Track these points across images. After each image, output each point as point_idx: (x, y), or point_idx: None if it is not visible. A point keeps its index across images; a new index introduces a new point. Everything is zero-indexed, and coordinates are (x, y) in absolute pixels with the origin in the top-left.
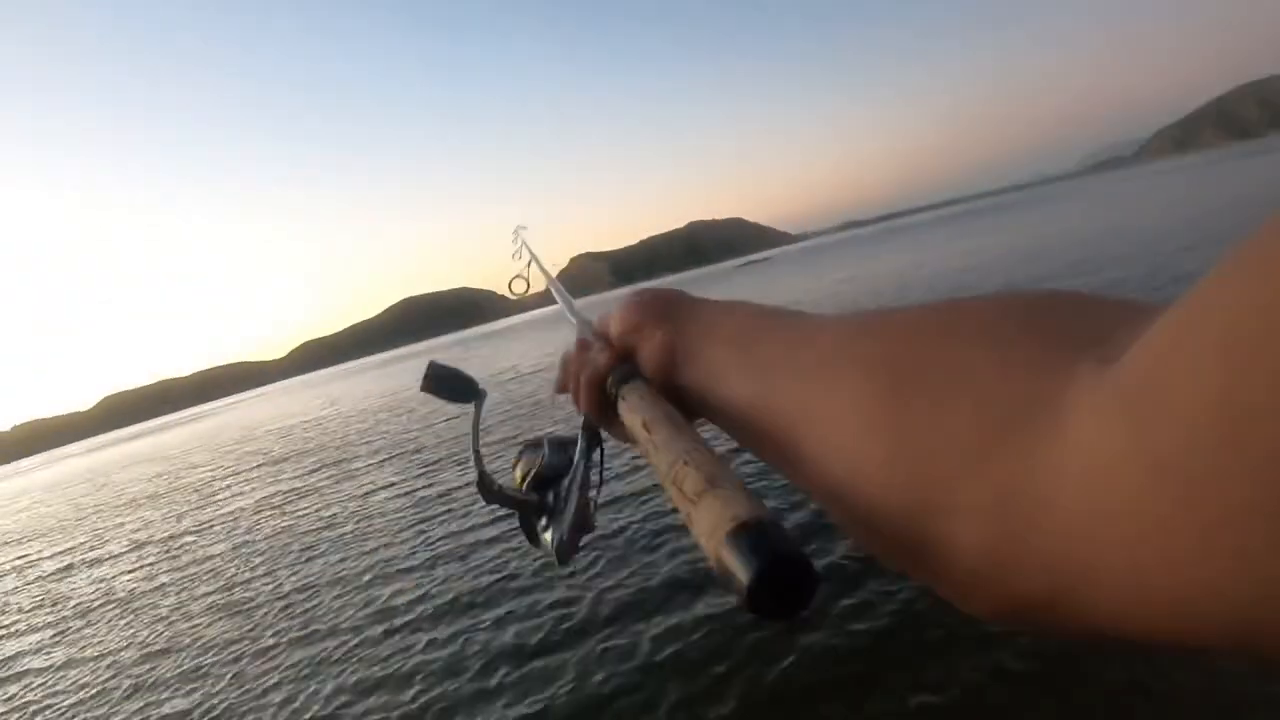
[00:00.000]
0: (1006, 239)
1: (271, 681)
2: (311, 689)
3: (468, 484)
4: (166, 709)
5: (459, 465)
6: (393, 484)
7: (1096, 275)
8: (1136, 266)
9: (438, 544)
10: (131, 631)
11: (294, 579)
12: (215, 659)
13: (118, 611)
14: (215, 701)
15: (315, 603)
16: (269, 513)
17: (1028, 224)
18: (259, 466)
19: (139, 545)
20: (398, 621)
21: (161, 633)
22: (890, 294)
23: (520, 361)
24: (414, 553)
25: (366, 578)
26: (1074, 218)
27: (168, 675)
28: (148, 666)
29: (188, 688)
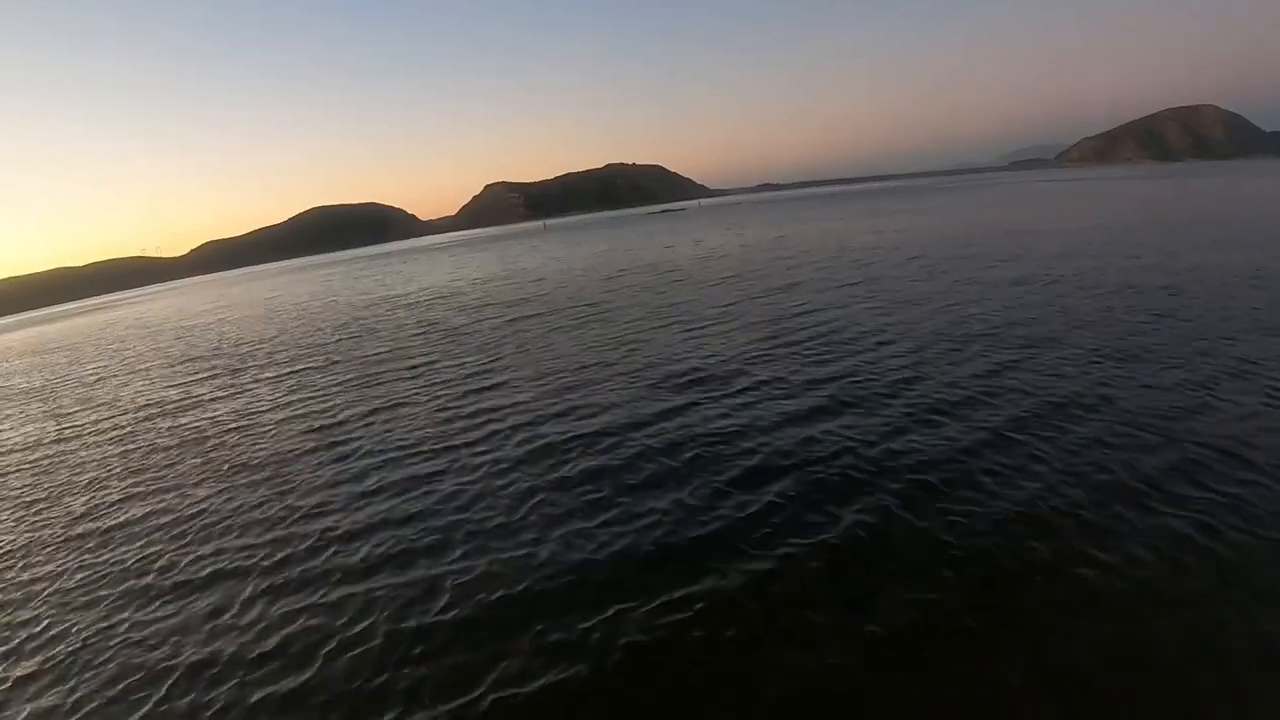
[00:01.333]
0: (918, 218)
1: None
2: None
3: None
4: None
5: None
6: (282, 389)
7: (988, 264)
8: (1024, 264)
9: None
10: None
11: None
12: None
13: None
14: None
15: (196, 510)
16: (155, 417)
17: (938, 207)
18: (150, 366)
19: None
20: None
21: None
22: (789, 253)
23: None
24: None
25: (249, 478)
26: (982, 207)
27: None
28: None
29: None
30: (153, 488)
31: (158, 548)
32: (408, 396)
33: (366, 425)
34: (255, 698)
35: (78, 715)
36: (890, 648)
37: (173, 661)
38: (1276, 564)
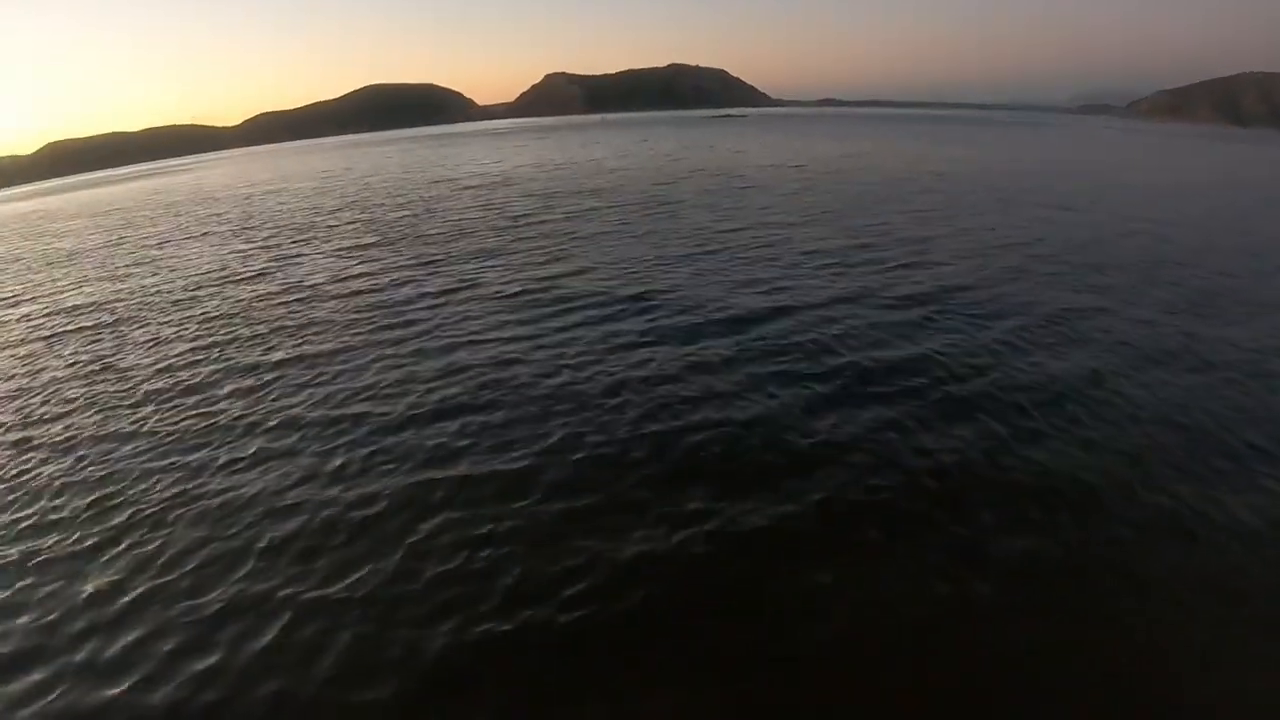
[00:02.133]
0: (975, 150)
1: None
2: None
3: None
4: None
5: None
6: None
7: (1039, 205)
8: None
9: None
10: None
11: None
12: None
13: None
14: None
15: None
16: (216, 284)
17: (998, 142)
18: (210, 233)
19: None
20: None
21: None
22: (859, 170)
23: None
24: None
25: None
26: (1045, 148)
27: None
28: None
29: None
30: (221, 357)
31: (226, 412)
32: (478, 278)
33: (438, 305)
34: (317, 570)
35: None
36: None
37: (236, 532)
38: None
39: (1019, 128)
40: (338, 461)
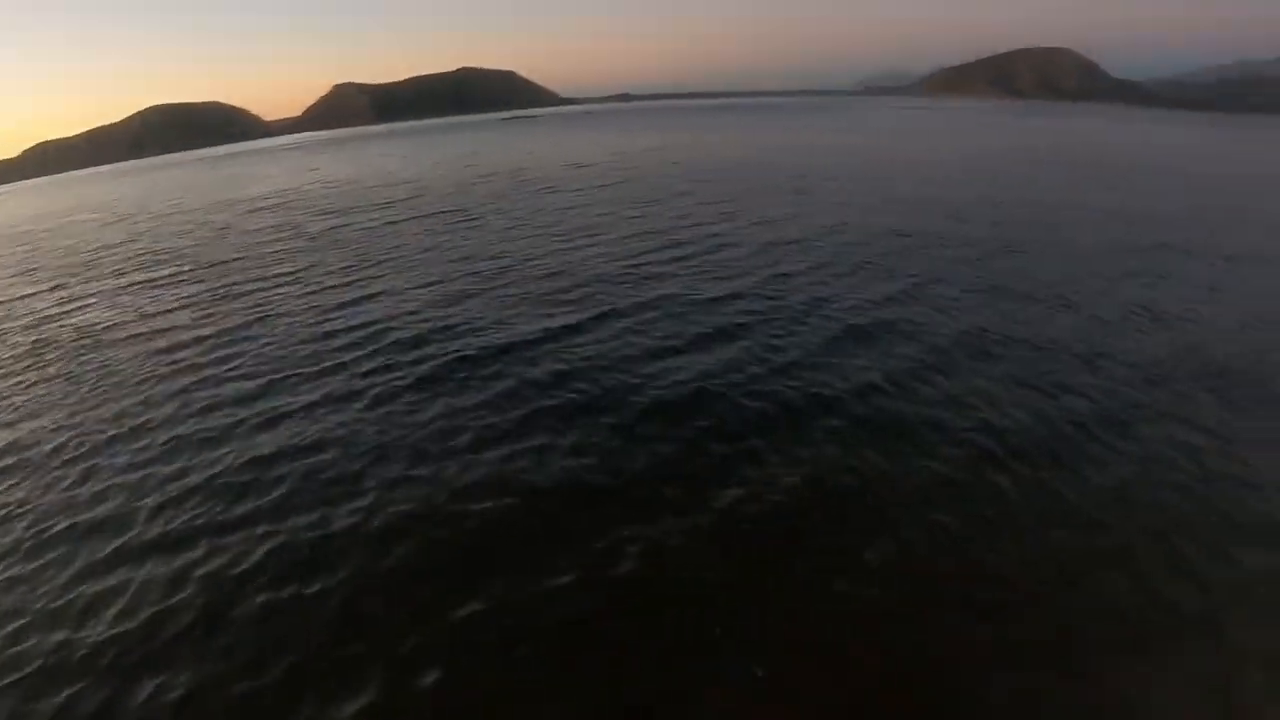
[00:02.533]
0: (764, 136)
1: None
2: None
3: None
4: None
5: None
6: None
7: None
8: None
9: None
10: None
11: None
12: None
13: None
14: None
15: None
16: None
17: (784, 126)
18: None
19: None
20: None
21: None
22: (659, 163)
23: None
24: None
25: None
26: (832, 130)
27: None
28: None
29: None
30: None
31: None
32: (277, 308)
33: (236, 342)
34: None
35: None
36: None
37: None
38: None
39: (809, 112)
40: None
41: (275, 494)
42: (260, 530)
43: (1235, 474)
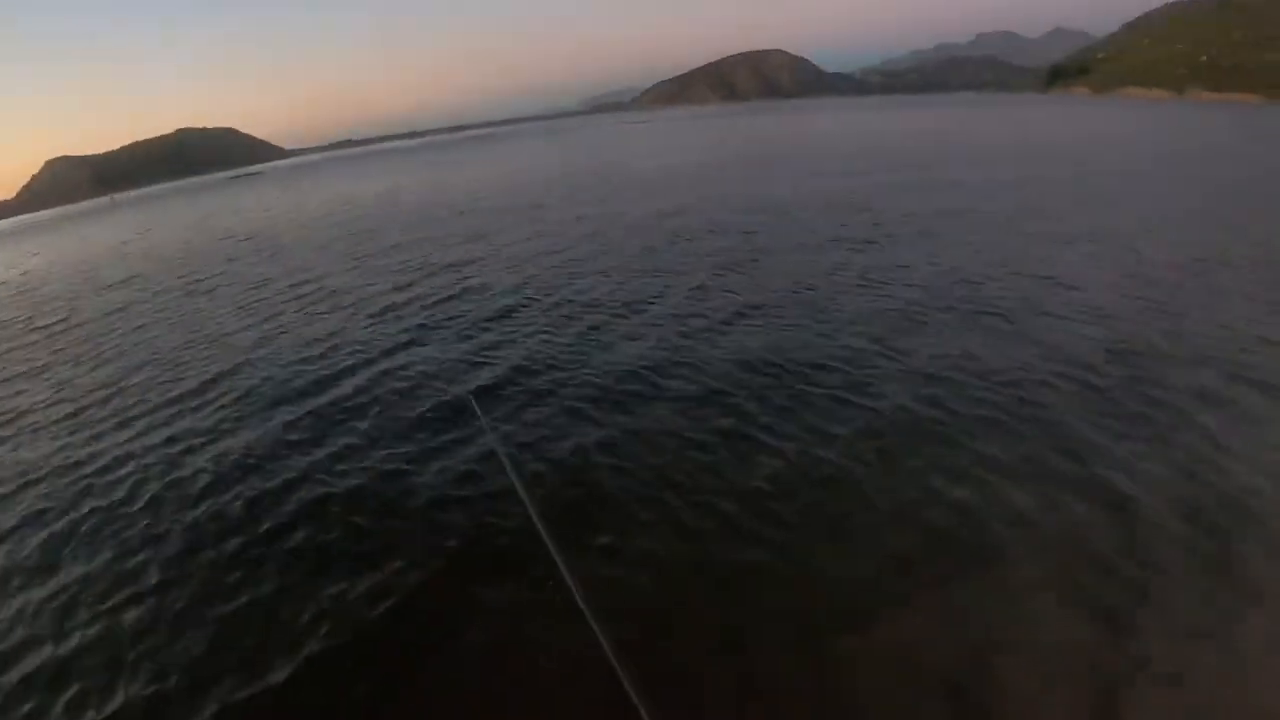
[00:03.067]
0: (493, 167)
1: None
2: None
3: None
4: None
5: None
6: None
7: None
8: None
9: None
10: None
11: None
12: None
13: None
14: None
15: None
16: None
17: (510, 153)
18: None
19: None
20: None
21: None
22: (363, 213)
23: None
24: None
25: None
26: (546, 151)
27: None
28: None
29: None
30: None
31: None
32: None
33: None
34: None
35: None
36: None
37: None
38: None
39: (530, 137)
40: None
41: None
42: None
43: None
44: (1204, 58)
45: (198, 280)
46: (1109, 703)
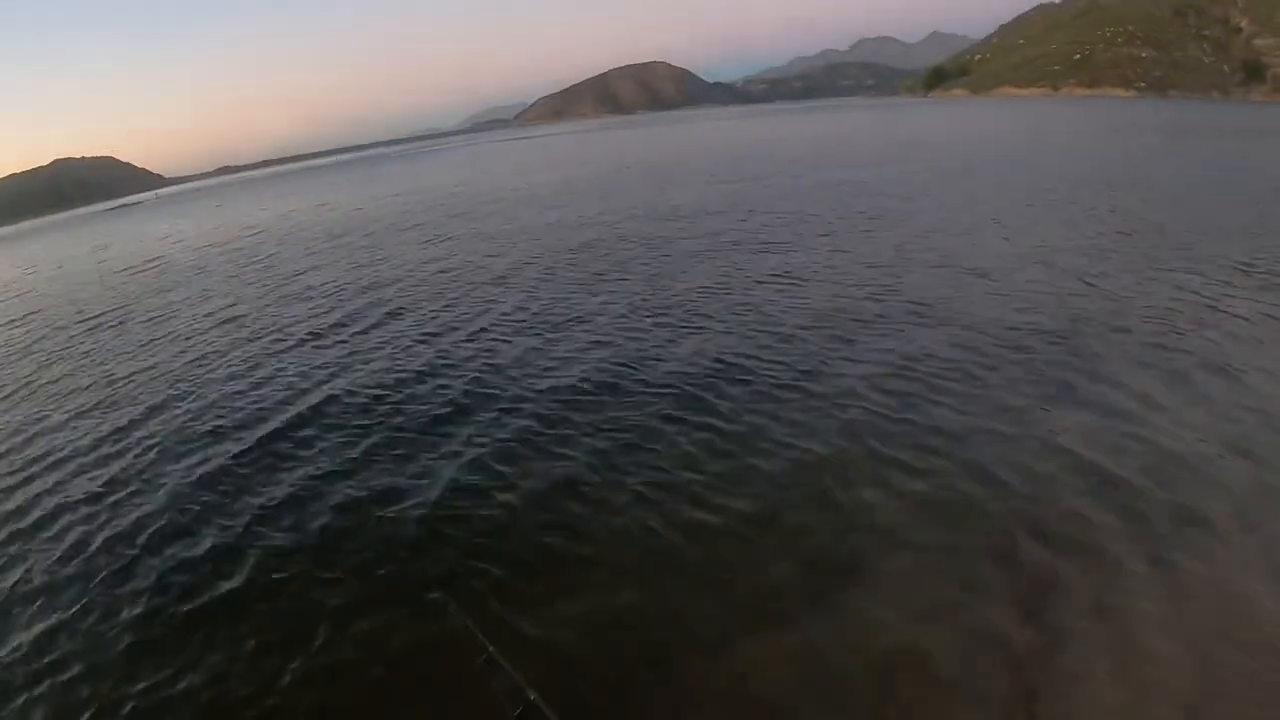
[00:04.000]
0: (369, 187)
1: None
2: None
3: None
4: None
5: None
6: None
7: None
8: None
9: None
10: None
11: None
12: None
13: None
14: None
15: None
16: None
17: (390, 173)
18: None
19: None
20: None
21: None
22: (235, 242)
23: None
24: None
25: None
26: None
27: None
28: None
29: None
30: None
31: None
32: None
33: None
34: None
35: None
36: None
37: None
38: None
39: (408, 159)
40: None
41: None
42: None
43: None
44: (1077, 56)
45: (99, 315)
46: (1019, 694)
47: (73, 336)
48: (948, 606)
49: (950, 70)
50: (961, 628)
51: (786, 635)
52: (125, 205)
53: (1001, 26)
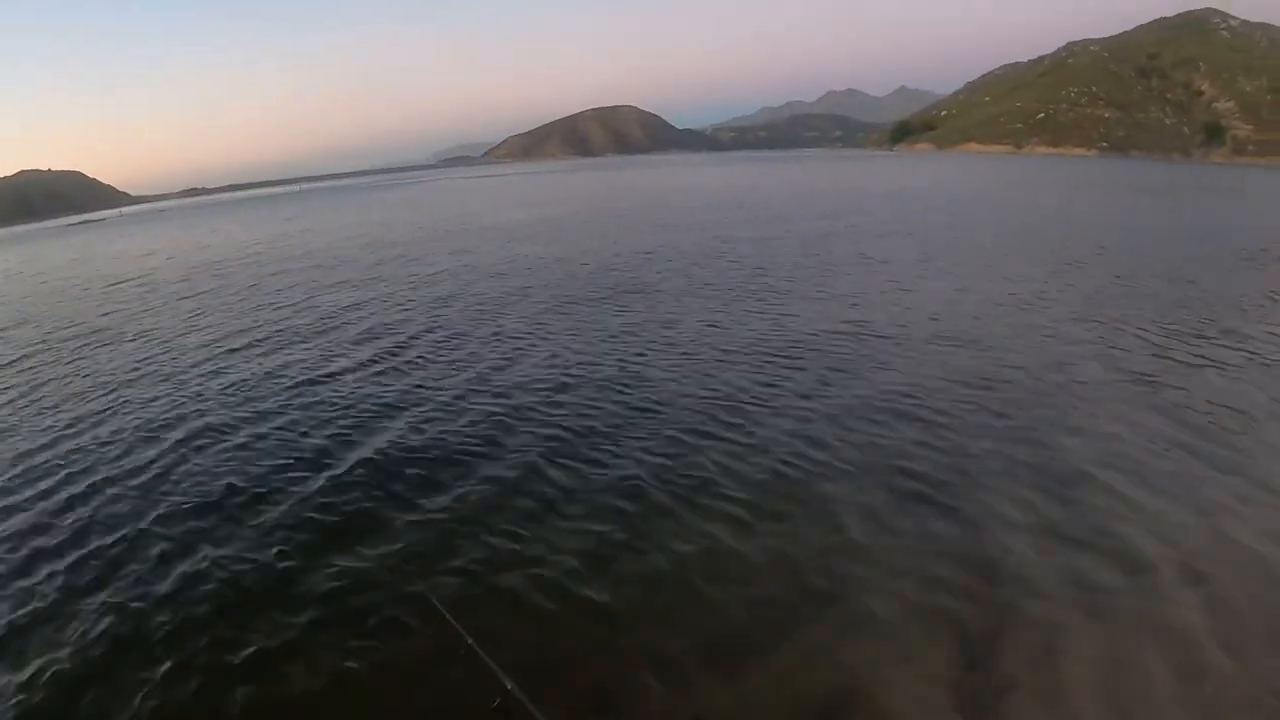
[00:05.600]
0: (327, 218)
1: None
2: None
3: None
4: None
5: None
6: None
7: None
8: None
9: None
10: None
11: None
12: None
13: None
14: None
15: None
16: None
17: (369, 204)
18: None
19: None
20: None
21: None
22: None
23: None
24: None
25: None
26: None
27: None
28: None
29: None
30: None
31: None
32: None
33: None
34: None
35: None
36: None
37: None
38: None
39: (380, 189)
40: None
41: None
42: None
43: None
44: (1041, 114)
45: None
46: None
47: (70, 348)
48: (900, 650)
49: (916, 125)
50: (914, 671)
51: (745, 673)
52: (87, 221)
53: (968, 84)
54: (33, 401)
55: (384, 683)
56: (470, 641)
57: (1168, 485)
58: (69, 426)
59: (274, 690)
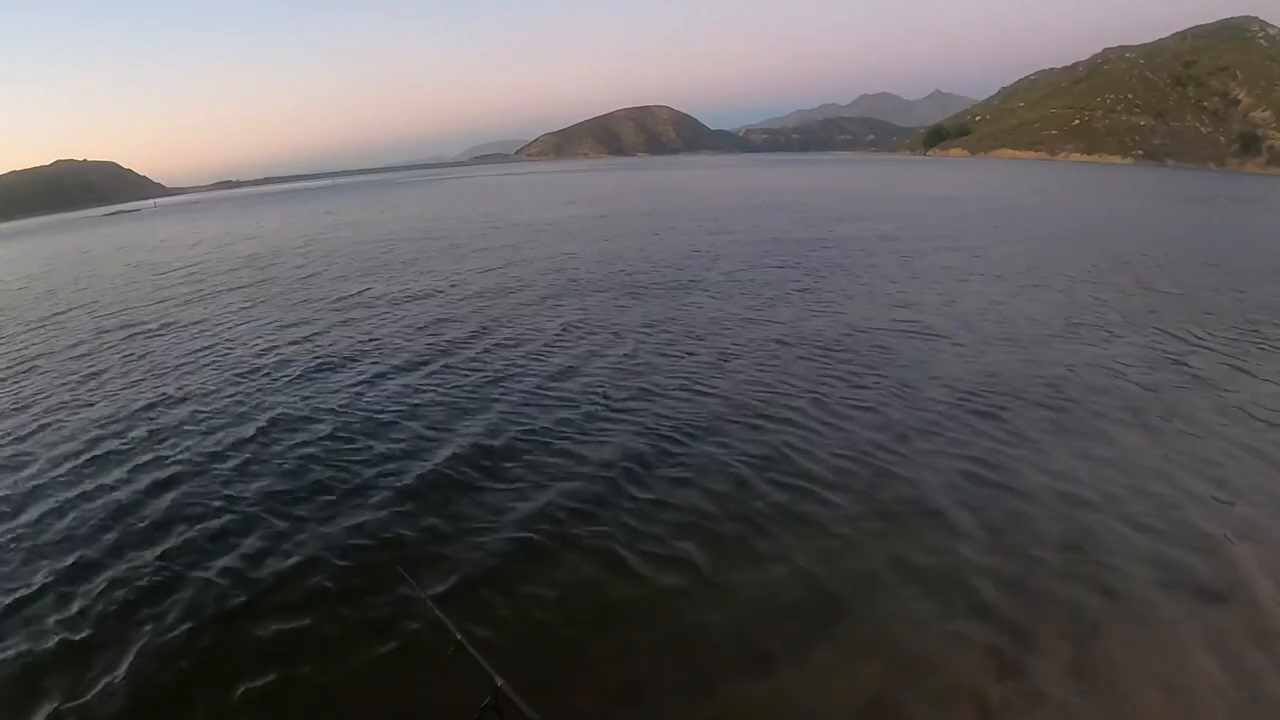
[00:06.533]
0: (354, 213)
1: None
2: None
3: None
4: None
5: None
6: None
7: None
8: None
9: None
10: None
11: None
12: None
13: None
14: None
15: None
16: None
17: (406, 198)
18: None
19: None
20: None
21: None
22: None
23: None
24: None
25: None
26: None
27: None
28: None
29: None
30: None
31: None
32: None
33: None
34: None
35: None
36: None
37: None
38: None
39: (411, 186)
40: None
41: None
42: None
43: None
44: (1075, 121)
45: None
46: None
47: (119, 338)
48: (924, 659)
49: (950, 130)
50: (938, 681)
51: (761, 681)
52: (122, 211)
53: (1003, 89)
54: (124, 386)
55: (377, 681)
56: (459, 638)
57: (1241, 487)
58: (149, 407)
59: (264, 687)
